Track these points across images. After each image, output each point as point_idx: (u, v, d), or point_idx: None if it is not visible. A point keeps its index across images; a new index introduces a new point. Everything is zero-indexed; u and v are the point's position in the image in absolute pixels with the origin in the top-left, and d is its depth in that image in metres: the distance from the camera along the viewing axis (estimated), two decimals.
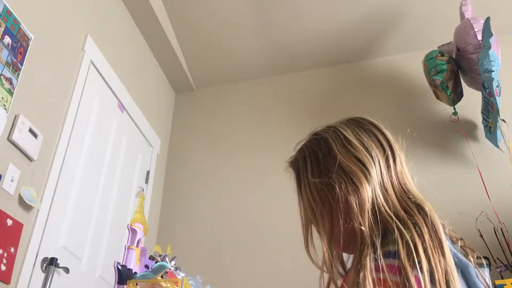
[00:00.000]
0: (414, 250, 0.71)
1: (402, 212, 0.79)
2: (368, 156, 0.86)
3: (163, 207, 2.94)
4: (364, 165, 0.85)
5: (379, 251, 0.73)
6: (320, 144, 0.92)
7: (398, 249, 0.72)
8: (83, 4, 2.33)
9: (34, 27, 1.91)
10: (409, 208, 0.80)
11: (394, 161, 0.88)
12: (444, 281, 0.69)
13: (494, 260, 2.04)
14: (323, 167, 0.89)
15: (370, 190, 0.82)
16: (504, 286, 1.84)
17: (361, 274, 0.72)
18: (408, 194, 0.84)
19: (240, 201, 2.81)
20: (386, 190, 0.83)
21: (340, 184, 0.84)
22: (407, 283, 0.68)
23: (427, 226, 0.75)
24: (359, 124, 0.93)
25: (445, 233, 0.78)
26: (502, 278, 1.96)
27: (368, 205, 0.80)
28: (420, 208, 0.80)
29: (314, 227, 0.91)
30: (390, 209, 0.80)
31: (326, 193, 0.86)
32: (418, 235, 0.73)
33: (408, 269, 0.69)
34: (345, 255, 0.90)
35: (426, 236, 0.73)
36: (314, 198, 0.88)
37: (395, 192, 0.84)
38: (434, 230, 0.75)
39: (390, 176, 0.86)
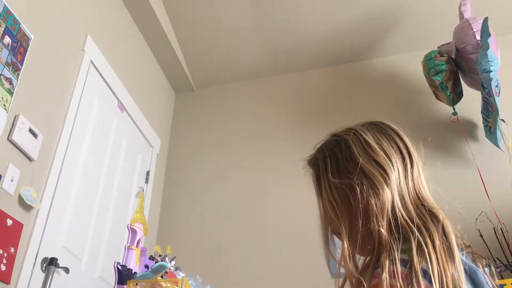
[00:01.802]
0: (428, 256, 0.72)
1: (417, 218, 0.81)
2: (388, 161, 0.88)
3: (163, 207, 2.94)
4: (384, 169, 0.87)
5: (396, 256, 0.74)
6: (341, 145, 0.93)
7: (411, 255, 0.73)
8: (83, 4, 2.33)
9: (34, 27, 1.91)
10: (422, 215, 0.82)
11: (412, 168, 0.90)
12: (452, 286, 0.71)
13: (494, 260, 2.04)
14: (343, 168, 0.90)
15: (390, 194, 0.84)
16: (504, 286, 1.84)
17: (383, 275, 0.72)
18: (422, 201, 0.86)
19: (240, 201, 2.81)
20: (402, 196, 0.85)
21: (361, 186, 0.85)
22: None
23: (438, 233, 0.77)
24: (380, 129, 0.95)
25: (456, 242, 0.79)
26: (502, 278, 1.96)
27: (388, 209, 0.82)
28: (433, 216, 0.82)
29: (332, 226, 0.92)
30: (406, 214, 0.82)
31: (348, 194, 0.87)
32: (431, 240, 0.75)
33: (420, 277, 0.70)
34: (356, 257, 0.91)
35: (438, 242, 0.75)
36: (335, 198, 0.89)
37: (410, 199, 0.86)
38: (446, 237, 0.77)
39: (407, 183, 0.87)
